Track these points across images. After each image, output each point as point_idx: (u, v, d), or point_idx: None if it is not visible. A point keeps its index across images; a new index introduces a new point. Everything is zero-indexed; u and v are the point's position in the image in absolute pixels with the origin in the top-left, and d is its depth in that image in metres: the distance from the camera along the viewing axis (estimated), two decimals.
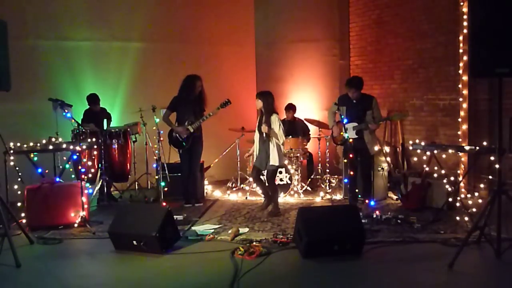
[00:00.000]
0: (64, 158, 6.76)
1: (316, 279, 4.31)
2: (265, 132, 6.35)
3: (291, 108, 8.25)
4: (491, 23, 4.28)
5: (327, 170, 8.21)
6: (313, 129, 8.44)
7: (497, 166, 4.56)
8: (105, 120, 7.45)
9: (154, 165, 7.03)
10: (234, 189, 8.15)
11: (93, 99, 7.39)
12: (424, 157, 6.70)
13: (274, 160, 6.42)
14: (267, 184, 6.75)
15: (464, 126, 7.11)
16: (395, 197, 7.25)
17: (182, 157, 7.15)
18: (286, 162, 7.42)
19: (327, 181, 8.00)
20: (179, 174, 7.32)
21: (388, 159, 7.64)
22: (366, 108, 6.52)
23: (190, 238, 5.45)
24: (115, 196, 7.70)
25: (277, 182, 7.41)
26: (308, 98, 9.16)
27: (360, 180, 6.72)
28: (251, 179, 7.74)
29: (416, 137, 7.73)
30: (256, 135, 6.64)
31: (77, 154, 6.37)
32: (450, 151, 6.32)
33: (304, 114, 8.58)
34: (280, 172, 7.41)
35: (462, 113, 7.15)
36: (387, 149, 8.03)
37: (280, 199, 7.27)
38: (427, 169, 6.52)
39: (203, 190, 7.79)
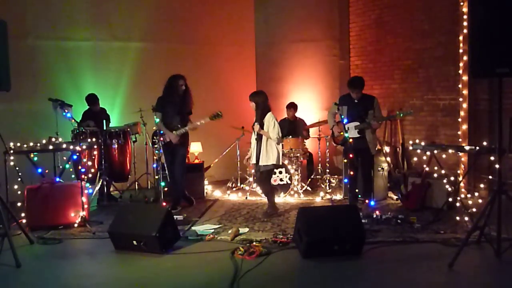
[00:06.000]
0: (64, 158, 6.76)
1: (316, 279, 4.31)
2: (256, 131, 6.34)
3: (292, 106, 8.25)
4: (491, 23, 4.28)
5: (327, 170, 8.21)
6: (313, 129, 8.43)
7: (497, 166, 4.56)
8: (104, 121, 7.44)
9: (154, 165, 7.02)
10: (234, 189, 8.15)
11: (92, 99, 7.40)
12: (424, 157, 6.70)
13: (265, 160, 6.33)
14: (259, 185, 6.71)
15: (464, 126, 7.11)
16: (395, 197, 7.26)
17: (165, 160, 6.73)
18: (286, 162, 7.42)
19: (327, 181, 7.99)
20: None
21: (388, 159, 7.65)
22: (367, 107, 6.52)
23: (190, 238, 5.45)
24: (115, 196, 7.70)
25: (277, 182, 7.42)
26: (308, 98, 9.15)
27: (361, 180, 6.72)
28: (251, 179, 7.75)
29: (416, 137, 7.73)
30: (253, 136, 6.64)
31: (77, 154, 6.37)
32: (450, 151, 6.32)
33: (304, 114, 8.58)
34: (280, 172, 7.41)
35: (462, 113, 7.15)
36: (387, 149, 8.04)
37: (280, 199, 7.28)
38: (427, 169, 6.52)
39: (203, 190, 7.79)
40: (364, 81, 6.58)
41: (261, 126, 6.32)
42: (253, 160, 6.53)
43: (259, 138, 6.41)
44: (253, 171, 7.60)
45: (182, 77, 6.71)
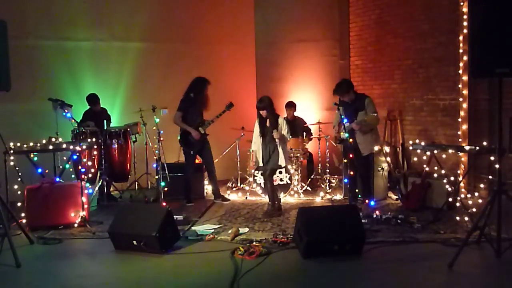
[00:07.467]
0: (64, 158, 6.76)
1: (316, 279, 4.31)
2: (277, 138, 6.41)
3: (292, 105, 8.24)
4: (491, 23, 4.28)
5: (327, 170, 8.21)
6: (313, 129, 8.43)
7: (497, 166, 4.56)
8: (105, 121, 7.45)
9: (154, 165, 7.03)
10: (234, 189, 8.14)
11: (93, 99, 7.39)
12: (424, 157, 6.70)
13: (282, 161, 6.51)
14: (265, 183, 6.78)
15: (464, 126, 7.11)
16: (395, 197, 7.25)
17: (191, 157, 7.26)
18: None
19: (327, 181, 7.99)
20: (179, 174, 7.33)
21: (388, 159, 7.64)
22: (358, 108, 6.53)
23: (190, 238, 5.45)
24: (115, 196, 7.70)
25: (277, 182, 7.41)
26: (308, 98, 9.15)
27: (359, 180, 6.72)
28: (251, 179, 7.75)
29: (416, 137, 7.73)
30: (257, 140, 6.63)
31: (77, 154, 6.37)
32: (450, 151, 6.32)
33: (304, 114, 8.57)
34: (280, 172, 7.41)
35: (462, 113, 7.15)
36: (387, 149, 8.03)
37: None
38: (427, 169, 6.52)
39: (203, 190, 7.80)
40: (346, 85, 6.58)
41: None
42: (261, 162, 6.69)
43: (272, 141, 6.48)
44: (253, 171, 7.62)
45: (209, 82, 7.14)
